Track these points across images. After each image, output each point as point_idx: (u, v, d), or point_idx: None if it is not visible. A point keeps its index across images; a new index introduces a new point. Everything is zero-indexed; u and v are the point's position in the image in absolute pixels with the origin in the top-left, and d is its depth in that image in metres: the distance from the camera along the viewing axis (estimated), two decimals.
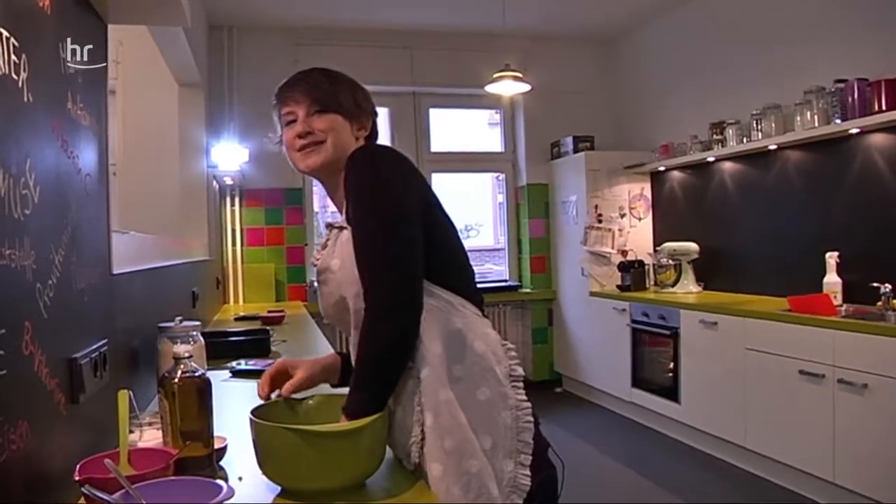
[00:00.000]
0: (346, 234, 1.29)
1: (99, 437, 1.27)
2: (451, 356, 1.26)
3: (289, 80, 1.37)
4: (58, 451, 1.06)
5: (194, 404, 1.15)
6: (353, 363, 1.31)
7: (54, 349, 1.05)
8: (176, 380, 1.14)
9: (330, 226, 1.36)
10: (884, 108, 3.32)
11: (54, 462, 1.04)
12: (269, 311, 4.02)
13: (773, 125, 4.03)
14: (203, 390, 1.17)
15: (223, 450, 1.31)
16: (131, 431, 1.30)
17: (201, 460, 1.17)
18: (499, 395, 1.27)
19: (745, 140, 4.28)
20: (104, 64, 1.40)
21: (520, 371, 1.31)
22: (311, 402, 1.34)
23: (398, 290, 1.23)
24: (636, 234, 5.46)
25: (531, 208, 5.98)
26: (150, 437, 1.32)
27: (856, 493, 3.02)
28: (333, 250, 1.32)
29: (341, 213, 1.37)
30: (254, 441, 1.18)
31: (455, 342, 1.27)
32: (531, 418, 1.29)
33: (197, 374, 1.16)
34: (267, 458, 1.16)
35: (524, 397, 1.29)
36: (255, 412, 1.21)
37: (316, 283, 1.42)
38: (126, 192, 3.72)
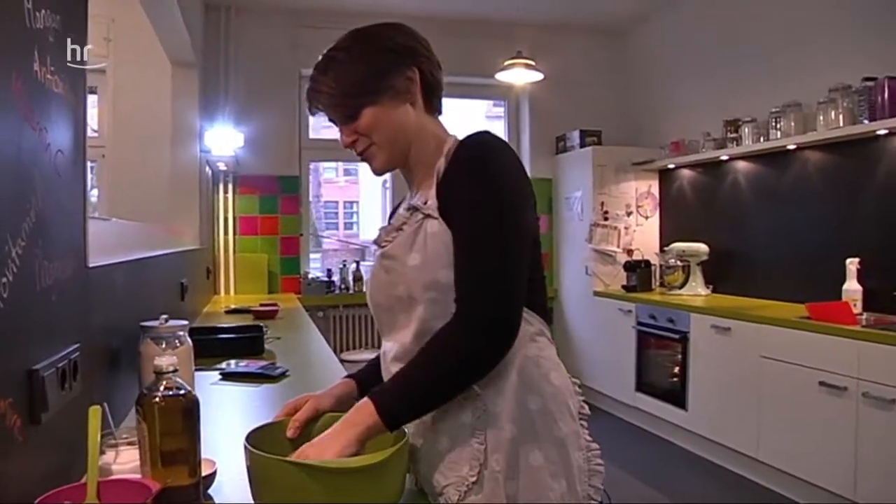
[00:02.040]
0: (435, 227, 1.10)
1: (69, 459, 1.09)
2: (527, 387, 1.10)
3: (309, 88, 1.19)
4: (11, 486, 0.88)
5: (178, 427, 0.97)
6: (384, 373, 1.15)
7: (7, 361, 0.87)
8: (157, 399, 0.96)
9: (414, 209, 1.15)
10: None
11: (8, 499, 0.86)
12: (262, 305, 3.83)
13: (793, 124, 3.87)
14: (189, 411, 0.98)
15: (212, 476, 1.13)
16: (103, 452, 1.12)
17: (186, 490, 0.99)
18: (573, 433, 1.12)
19: (762, 139, 4.11)
20: (83, 21, 1.21)
21: (587, 410, 1.17)
22: (318, 422, 1.15)
23: (505, 315, 1.05)
24: (642, 233, 5.29)
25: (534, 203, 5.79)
26: (128, 458, 1.14)
27: None
28: (413, 241, 1.12)
29: (421, 195, 1.18)
30: (248, 470, 1.00)
31: (532, 371, 1.11)
32: (601, 462, 1.14)
33: (182, 392, 0.98)
34: (264, 492, 0.98)
35: (591, 438, 1.15)
36: (252, 437, 1.03)
37: (374, 265, 1.21)
38: (115, 176, 3.52)
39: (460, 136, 1.17)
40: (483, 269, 1.06)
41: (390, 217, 1.31)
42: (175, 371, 0.98)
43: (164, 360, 0.98)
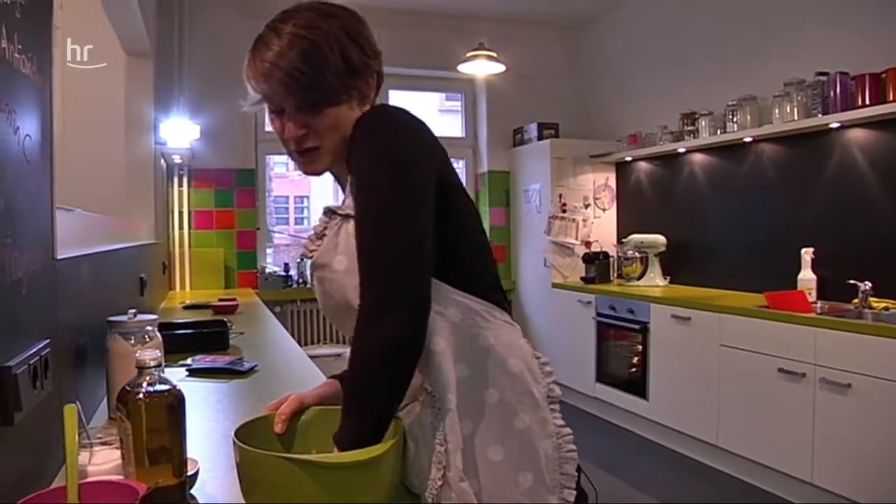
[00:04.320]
0: (353, 227, 1.03)
1: (41, 461, 1.03)
2: (482, 380, 1.05)
3: (256, 57, 1.06)
4: None
5: (164, 425, 0.92)
6: None
7: None
8: (141, 396, 0.91)
9: (331, 211, 1.08)
10: (867, 102, 3.26)
11: None
12: (221, 300, 3.74)
13: (749, 117, 3.95)
14: (175, 407, 0.94)
15: (194, 475, 1.08)
16: (78, 453, 1.06)
17: (172, 491, 0.94)
18: (538, 421, 1.06)
19: (718, 132, 4.19)
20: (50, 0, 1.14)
21: (558, 391, 1.11)
22: (304, 416, 1.12)
23: (397, 288, 0.96)
24: (600, 225, 5.35)
25: (491, 196, 5.81)
26: (103, 458, 1.08)
27: (834, 494, 2.95)
28: (335, 243, 1.05)
29: (345, 197, 1.11)
30: (238, 466, 0.96)
31: (485, 362, 1.06)
32: (574, 447, 1.08)
33: (167, 387, 0.93)
34: (254, 489, 0.94)
35: (563, 422, 1.09)
36: (240, 431, 0.99)
37: (310, 278, 1.13)
38: (66, 168, 3.39)
39: None
40: (366, 253, 0.98)
41: None
42: (159, 366, 0.94)
43: (147, 355, 0.93)
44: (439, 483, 1.01)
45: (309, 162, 1.10)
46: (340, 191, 1.17)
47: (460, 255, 1.08)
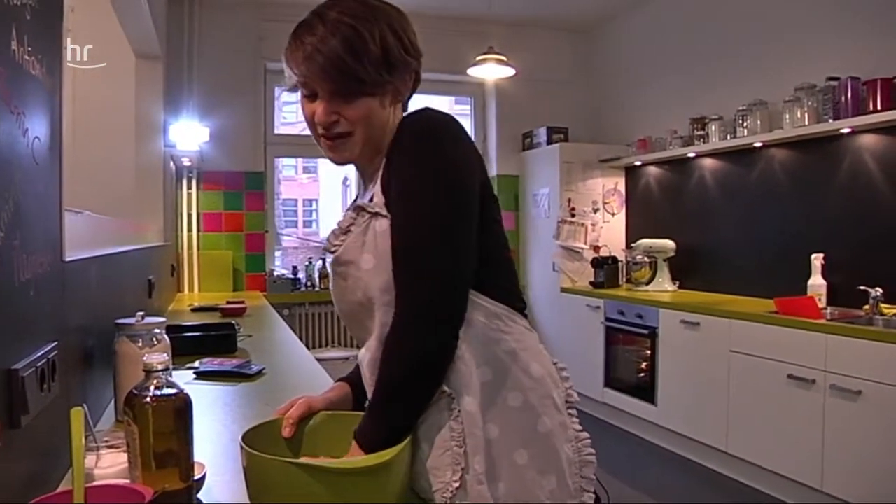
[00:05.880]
0: (384, 225, 1.04)
1: (47, 465, 1.03)
2: (505, 383, 1.05)
3: (298, 39, 1.04)
4: None
5: (171, 429, 0.92)
6: (364, 382, 1.09)
7: None
8: (148, 399, 0.90)
9: (360, 209, 1.08)
10: (878, 107, 3.23)
11: None
12: (229, 302, 3.75)
13: (759, 122, 3.93)
14: (182, 411, 0.93)
15: (201, 479, 1.08)
16: (85, 456, 1.06)
17: (179, 495, 0.94)
18: (559, 425, 1.07)
19: (728, 136, 4.17)
20: (59, 0, 1.14)
21: (575, 396, 1.13)
22: (312, 420, 1.11)
23: (444, 301, 0.99)
24: (609, 230, 5.33)
25: (500, 200, 5.73)
26: (110, 461, 1.08)
27: (844, 502, 2.93)
28: (363, 241, 1.05)
29: (369, 193, 1.11)
30: (245, 471, 0.95)
31: (509, 366, 1.06)
32: (593, 451, 1.09)
33: (174, 391, 0.93)
34: (262, 494, 0.94)
35: (580, 427, 1.10)
36: (246, 437, 0.98)
37: (330, 272, 1.14)
38: (76, 170, 3.40)
39: None
40: (414, 262, 1.00)
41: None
42: (166, 370, 0.93)
43: (155, 358, 0.93)
44: (455, 486, 1.01)
45: (337, 148, 1.10)
46: (363, 186, 1.19)
47: (489, 260, 1.09)
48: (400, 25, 1.07)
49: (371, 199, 1.08)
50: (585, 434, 1.10)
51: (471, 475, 1.01)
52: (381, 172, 1.08)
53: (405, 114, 1.10)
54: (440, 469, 1.03)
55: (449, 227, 1.00)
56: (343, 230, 1.10)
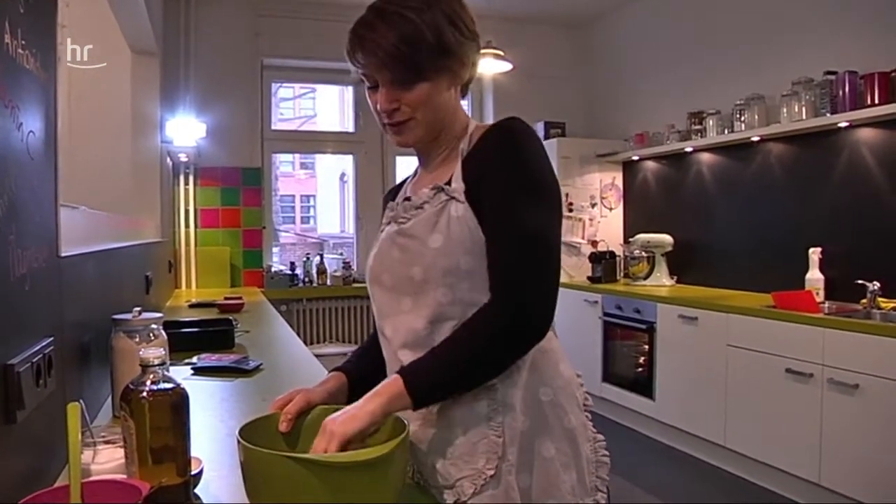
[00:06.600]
0: (461, 210, 1.07)
1: (43, 460, 1.02)
2: (538, 378, 1.09)
3: (357, 35, 1.08)
4: None
5: (168, 424, 0.91)
6: (388, 365, 1.13)
7: None
8: (144, 394, 0.90)
9: (439, 189, 1.11)
10: (876, 101, 3.24)
11: None
12: (227, 298, 3.75)
13: (757, 116, 3.93)
14: (179, 406, 0.93)
15: (198, 474, 1.08)
16: (80, 452, 1.05)
17: (176, 490, 0.93)
18: (581, 424, 1.12)
19: (726, 131, 4.17)
20: None
21: (590, 401, 1.18)
22: (310, 415, 1.11)
23: (547, 302, 1.05)
24: (607, 225, 5.34)
25: None
26: (106, 457, 1.08)
27: (842, 496, 2.93)
28: (435, 221, 1.08)
29: (428, 176, 1.17)
30: (242, 466, 0.95)
31: (543, 362, 1.11)
32: (608, 452, 1.15)
33: (171, 386, 0.92)
34: (259, 489, 0.93)
35: (596, 429, 1.16)
36: (243, 432, 0.97)
37: (382, 242, 1.18)
38: (72, 166, 3.40)
39: (475, 122, 1.17)
40: (528, 256, 1.03)
41: (391, 195, 1.27)
42: (163, 364, 0.93)
43: (151, 353, 0.92)
44: (489, 473, 1.04)
45: (400, 132, 1.13)
46: (415, 171, 1.26)
47: None
48: (454, 12, 1.11)
49: (448, 184, 1.11)
50: (601, 436, 1.15)
51: (505, 464, 1.04)
52: (459, 162, 1.12)
53: (499, 120, 1.12)
54: (473, 456, 1.06)
55: (554, 234, 1.08)
56: (416, 205, 1.13)
